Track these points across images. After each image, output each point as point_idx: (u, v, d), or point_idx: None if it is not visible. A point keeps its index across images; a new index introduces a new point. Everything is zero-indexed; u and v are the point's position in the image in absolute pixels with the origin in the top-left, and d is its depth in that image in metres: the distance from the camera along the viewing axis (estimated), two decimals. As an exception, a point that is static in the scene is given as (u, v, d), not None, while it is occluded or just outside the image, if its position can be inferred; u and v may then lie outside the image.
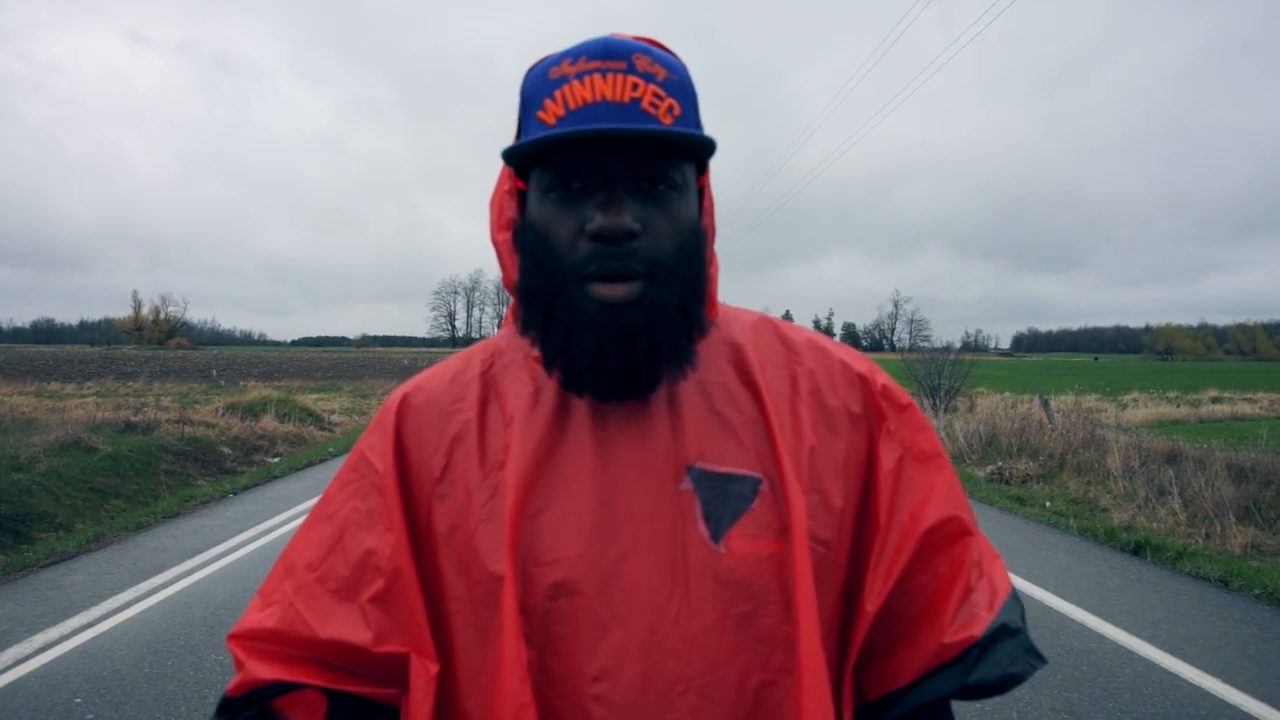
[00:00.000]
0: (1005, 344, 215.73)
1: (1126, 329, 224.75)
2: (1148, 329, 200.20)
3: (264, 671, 0.77)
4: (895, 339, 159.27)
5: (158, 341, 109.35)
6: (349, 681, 0.78)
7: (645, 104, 0.71)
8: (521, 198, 0.80)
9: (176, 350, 79.68)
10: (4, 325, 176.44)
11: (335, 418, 17.96)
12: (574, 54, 0.73)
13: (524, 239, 0.76)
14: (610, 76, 0.71)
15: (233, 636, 0.81)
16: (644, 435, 0.76)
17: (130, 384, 29.65)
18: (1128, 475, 8.81)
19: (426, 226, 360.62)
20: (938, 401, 18.02)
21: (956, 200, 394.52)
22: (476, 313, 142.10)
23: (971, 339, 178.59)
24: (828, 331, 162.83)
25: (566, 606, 0.72)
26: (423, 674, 0.73)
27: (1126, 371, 60.91)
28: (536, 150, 0.73)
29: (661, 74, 0.73)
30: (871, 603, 0.76)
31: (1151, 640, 4.51)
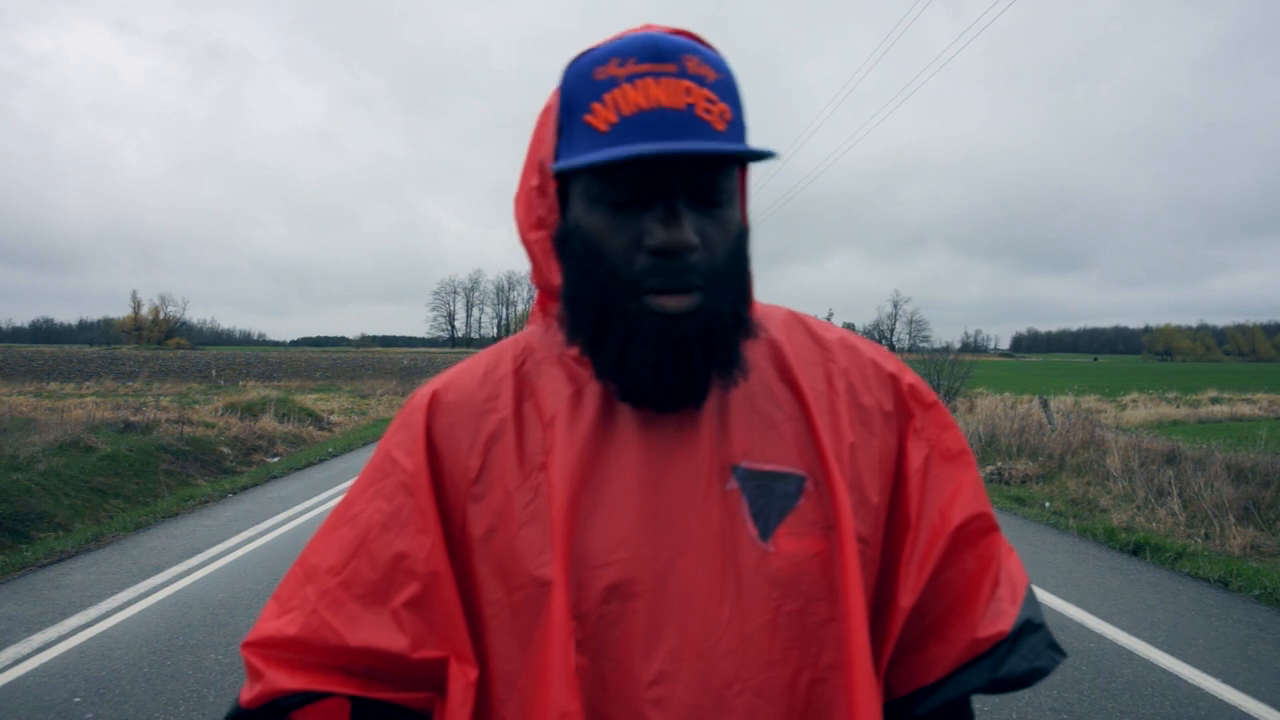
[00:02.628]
0: (1005, 344, 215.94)
1: (1126, 329, 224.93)
2: (1147, 330, 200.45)
3: (287, 681, 0.75)
4: (895, 339, 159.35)
5: (157, 341, 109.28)
6: (377, 688, 0.75)
7: (699, 110, 0.69)
8: (556, 194, 0.77)
9: (176, 350, 79.65)
10: (3, 325, 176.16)
11: (334, 418, 17.95)
12: (621, 53, 0.70)
13: (572, 247, 0.73)
14: (664, 80, 0.68)
15: (249, 645, 0.78)
16: (689, 435, 0.76)
17: (129, 384, 29.67)
18: (1127, 476, 8.81)
19: (425, 226, 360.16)
20: (937, 402, 18.00)
21: (959, 200, 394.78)
22: (476, 313, 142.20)
23: (971, 339, 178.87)
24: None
25: (621, 610, 0.71)
26: (461, 679, 0.71)
27: (1126, 372, 60.94)
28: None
29: (711, 75, 0.71)
30: (906, 598, 0.77)
31: (1151, 641, 4.51)
